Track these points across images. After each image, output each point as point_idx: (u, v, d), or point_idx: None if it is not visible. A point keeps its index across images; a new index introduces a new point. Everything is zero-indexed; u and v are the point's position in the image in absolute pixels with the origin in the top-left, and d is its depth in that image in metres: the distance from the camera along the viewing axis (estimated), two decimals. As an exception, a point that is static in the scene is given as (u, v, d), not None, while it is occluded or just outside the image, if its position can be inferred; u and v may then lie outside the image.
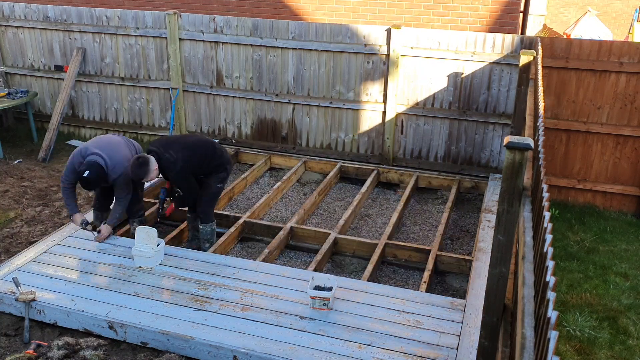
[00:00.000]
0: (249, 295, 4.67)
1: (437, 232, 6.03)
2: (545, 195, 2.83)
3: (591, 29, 15.87)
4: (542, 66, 6.59)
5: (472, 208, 7.02)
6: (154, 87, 8.50)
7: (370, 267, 5.23)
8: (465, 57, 7.04)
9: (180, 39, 8.09)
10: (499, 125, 7.20)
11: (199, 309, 4.48)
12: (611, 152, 7.00)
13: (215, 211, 6.34)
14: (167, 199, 5.67)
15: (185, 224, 5.97)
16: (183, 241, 5.93)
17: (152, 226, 5.39)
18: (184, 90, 8.37)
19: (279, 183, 7.09)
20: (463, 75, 7.14)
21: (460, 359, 3.98)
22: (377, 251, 5.50)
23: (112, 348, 4.31)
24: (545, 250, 2.46)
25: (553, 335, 1.91)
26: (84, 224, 5.41)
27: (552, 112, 7.00)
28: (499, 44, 6.91)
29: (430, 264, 5.33)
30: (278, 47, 7.74)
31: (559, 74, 6.87)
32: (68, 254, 5.26)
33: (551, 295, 2.12)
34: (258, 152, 8.13)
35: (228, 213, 6.32)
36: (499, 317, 3.47)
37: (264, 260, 5.30)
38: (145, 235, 4.96)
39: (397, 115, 7.54)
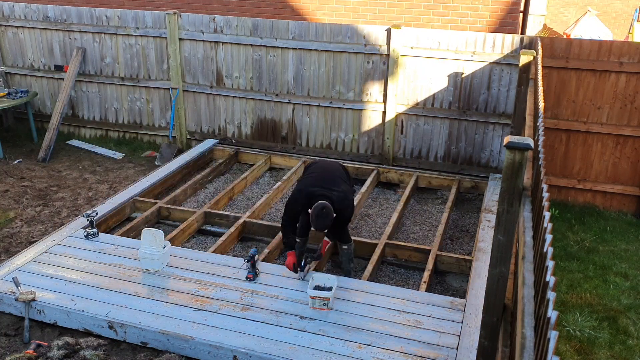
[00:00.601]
0: (249, 295, 4.67)
1: (437, 232, 6.03)
2: (545, 195, 2.83)
3: (591, 29, 15.86)
4: (542, 66, 6.59)
5: (472, 208, 7.01)
6: (154, 87, 8.50)
7: (370, 267, 5.23)
8: (465, 57, 7.04)
9: (180, 39, 8.09)
10: (499, 125, 7.20)
11: (199, 309, 4.48)
12: (611, 152, 7.00)
13: (214, 211, 6.36)
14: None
15: (185, 223, 5.96)
16: (183, 241, 5.93)
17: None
18: (184, 90, 8.37)
19: (279, 183, 7.09)
20: (463, 75, 7.14)
21: (460, 359, 3.98)
22: (377, 251, 5.50)
23: (112, 348, 4.31)
24: (545, 250, 2.46)
25: (553, 335, 1.91)
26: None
27: (552, 112, 7.00)
28: (499, 44, 6.90)
29: (430, 264, 5.33)
30: (278, 47, 7.74)
31: (559, 74, 6.87)
32: (68, 254, 5.26)
33: (551, 295, 2.12)
34: (258, 152, 8.13)
35: (228, 213, 6.32)
36: (499, 317, 3.47)
37: (264, 260, 5.30)
38: (152, 238, 4.94)
39: (397, 115, 7.53)
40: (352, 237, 5.72)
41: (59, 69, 8.84)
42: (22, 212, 6.57)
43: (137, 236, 5.77)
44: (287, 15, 9.57)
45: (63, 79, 8.79)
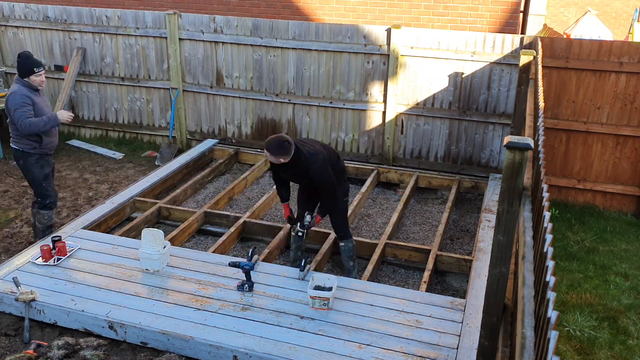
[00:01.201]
0: (249, 295, 4.67)
1: (437, 232, 6.03)
2: (545, 195, 2.83)
3: (591, 28, 15.86)
4: (542, 66, 6.59)
5: (472, 208, 7.02)
6: (154, 87, 8.50)
7: (370, 267, 5.23)
8: (465, 57, 7.04)
9: (180, 39, 8.09)
10: (499, 125, 7.20)
11: (199, 309, 4.48)
12: (611, 152, 7.00)
13: (215, 211, 6.35)
14: (309, 215, 5.17)
15: (185, 223, 5.97)
16: (183, 241, 5.93)
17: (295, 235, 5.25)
18: (184, 90, 8.37)
19: (279, 183, 7.09)
20: (463, 75, 7.14)
21: (460, 359, 3.98)
22: (377, 251, 5.51)
23: (112, 348, 4.31)
24: (545, 250, 2.46)
25: (553, 335, 1.91)
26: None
27: (552, 112, 7.00)
28: (499, 44, 6.90)
29: (430, 264, 5.33)
30: (278, 47, 7.74)
31: (559, 74, 6.87)
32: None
33: (551, 295, 2.12)
34: (258, 152, 8.13)
35: (228, 213, 6.32)
36: (499, 317, 3.47)
37: (263, 260, 5.30)
38: (152, 238, 4.94)
39: (397, 115, 7.53)
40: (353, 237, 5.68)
41: (59, 69, 8.84)
42: (22, 212, 6.57)
43: (137, 236, 5.77)
44: (287, 15, 9.58)
45: (63, 79, 8.79)
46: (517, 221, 3.20)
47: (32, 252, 5.22)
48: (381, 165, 7.65)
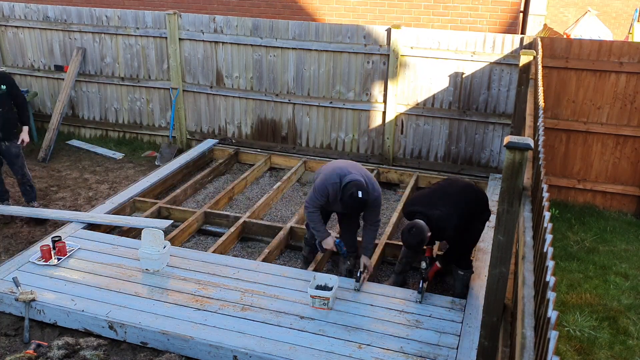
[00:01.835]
0: (249, 295, 4.67)
1: (437, 232, 6.02)
2: (545, 195, 2.83)
3: (591, 29, 15.85)
4: (542, 66, 6.58)
5: (472, 208, 7.01)
6: (154, 87, 8.50)
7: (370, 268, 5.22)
8: (465, 57, 7.04)
9: (180, 39, 8.09)
10: (499, 125, 7.19)
11: (199, 309, 4.48)
12: (611, 152, 7.00)
13: (215, 211, 6.35)
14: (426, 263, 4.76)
15: (185, 223, 5.96)
16: (183, 241, 5.93)
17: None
18: (184, 90, 8.37)
19: (279, 183, 7.09)
20: (463, 75, 7.13)
21: (460, 359, 3.98)
22: (377, 251, 5.50)
23: (112, 348, 4.31)
24: (545, 250, 2.46)
25: (553, 335, 1.91)
26: (340, 247, 5.02)
27: (552, 112, 7.00)
28: (499, 44, 6.90)
29: (430, 264, 5.32)
30: (278, 47, 7.73)
31: (559, 74, 6.87)
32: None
33: (551, 295, 2.12)
34: (258, 152, 8.13)
35: (228, 213, 6.32)
36: (499, 317, 3.47)
37: (264, 260, 5.30)
38: (152, 238, 4.94)
39: (397, 115, 7.53)
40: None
41: (59, 69, 8.84)
42: (22, 212, 6.57)
43: (137, 236, 5.77)
44: (287, 15, 9.58)
45: (63, 79, 8.79)
46: (517, 221, 3.20)
47: (32, 252, 5.22)
48: (381, 165, 7.65)
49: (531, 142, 3.03)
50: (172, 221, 6.07)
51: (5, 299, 4.60)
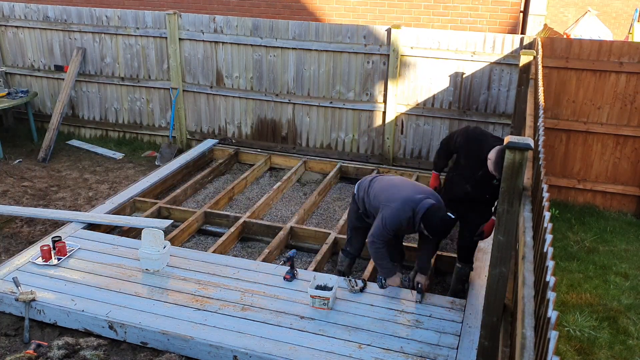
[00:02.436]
0: (249, 295, 4.67)
1: (437, 232, 6.02)
2: (545, 195, 2.83)
3: (591, 29, 15.85)
4: (542, 66, 6.59)
5: (472, 208, 7.00)
6: (154, 87, 8.50)
7: (370, 267, 5.23)
8: (465, 57, 7.04)
9: (180, 39, 8.09)
10: (499, 125, 7.19)
11: (199, 309, 4.48)
12: (611, 152, 7.00)
13: (215, 211, 6.35)
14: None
15: (185, 223, 5.96)
16: (183, 241, 5.93)
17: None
18: (184, 90, 8.37)
19: (279, 183, 7.09)
20: (463, 75, 7.13)
21: (460, 359, 3.98)
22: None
23: (112, 348, 4.31)
24: (545, 250, 2.46)
25: (553, 335, 1.91)
26: (407, 282, 4.89)
27: (552, 112, 7.00)
28: (499, 44, 6.90)
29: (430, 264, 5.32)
30: (278, 47, 7.73)
31: (559, 74, 6.87)
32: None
33: (551, 295, 2.12)
34: (258, 152, 8.13)
35: (228, 213, 6.32)
36: (499, 317, 3.47)
37: (264, 260, 5.30)
38: (152, 238, 4.94)
39: (397, 115, 7.53)
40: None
41: (59, 69, 8.84)
42: (22, 212, 6.57)
43: (137, 236, 5.78)
44: (287, 15, 9.58)
45: (63, 79, 8.79)
46: (517, 221, 3.20)
47: (32, 252, 5.22)
48: (381, 165, 7.65)
49: (531, 142, 3.03)
50: (172, 221, 6.07)
51: (5, 299, 4.60)
